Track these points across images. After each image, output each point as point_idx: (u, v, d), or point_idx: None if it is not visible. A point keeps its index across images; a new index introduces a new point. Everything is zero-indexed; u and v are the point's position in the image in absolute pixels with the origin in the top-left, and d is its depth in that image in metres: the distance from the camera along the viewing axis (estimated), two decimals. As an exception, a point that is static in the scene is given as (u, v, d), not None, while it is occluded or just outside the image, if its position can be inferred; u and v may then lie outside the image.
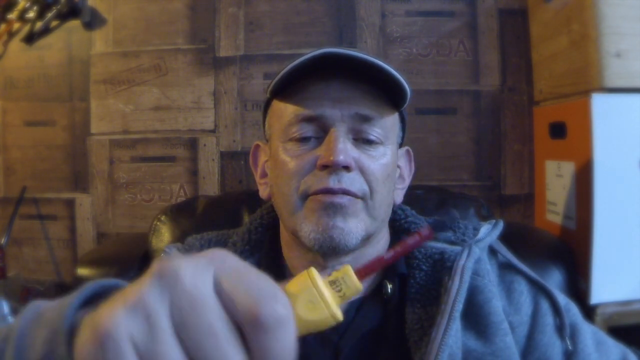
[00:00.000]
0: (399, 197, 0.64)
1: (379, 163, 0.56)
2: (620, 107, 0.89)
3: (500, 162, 1.24)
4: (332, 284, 0.29)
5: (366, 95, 0.56)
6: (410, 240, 0.33)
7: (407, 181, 0.66)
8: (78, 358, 0.24)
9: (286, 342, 0.26)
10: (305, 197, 0.55)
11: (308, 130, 0.56)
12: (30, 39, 1.30)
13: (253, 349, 0.25)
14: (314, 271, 0.29)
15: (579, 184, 0.94)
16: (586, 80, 0.92)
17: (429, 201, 0.87)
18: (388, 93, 0.57)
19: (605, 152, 0.88)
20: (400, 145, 0.64)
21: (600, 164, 0.88)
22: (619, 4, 0.88)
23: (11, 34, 1.31)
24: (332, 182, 0.53)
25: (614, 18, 0.88)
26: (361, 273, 0.30)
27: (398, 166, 0.64)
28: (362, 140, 0.56)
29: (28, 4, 1.27)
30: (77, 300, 0.31)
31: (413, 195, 0.67)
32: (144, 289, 0.24)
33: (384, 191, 0.57)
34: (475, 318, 0.55)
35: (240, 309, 0.25)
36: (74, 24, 1.30)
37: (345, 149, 0.53)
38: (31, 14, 1.27)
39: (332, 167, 0.53)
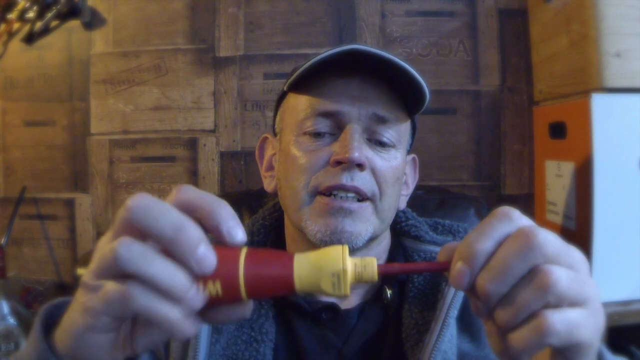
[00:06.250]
0: (402, 203, 0.64)
1: (390, 165, 0.56)
2: (620, 107, 0.89)
3: (500, 162, 1.24)
4: (356, 264, 0.34)
5: (385, 97, 0.55)
6: (432, 266, 0.40)
7: (411, 188, 0.66)
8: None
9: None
10: (314, 193, 0.54)
11: (323, 125, 0.55)
12: (30, 39, 1.30)
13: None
14: (347, 248, 0.34)
15: (578, 184, 0.94)
16: (586, 80, 0.92)
17: (429, 201, 0.87)
18: (406, 98, 0.56)
19: (605, 152, 0.88)
20: (408, 153, 0.64)
21: (600, 164, 0.88)
22: (619, 4, 0.88)
23: (11, 34, 1.31)
24: (345, 179, 0.53)
25: (614, 18, 0.88)
26: (381, 268, 0.34)
27: (404, 173, 0.64)
28: (375, 142, 0.56)
29: (28, 4, 1.26)
30: (39, 328, 0.37)
31: (413, 195, 0.67)
32: None
33: (393, 194, 0.56)
34: (469, 321, 0.55)
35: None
36: (74, 24, 1.30)
37: (360, 147, 0.53)
38: (31, 14, 1.27)
39: (346, 164, 0.52)
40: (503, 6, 1.24)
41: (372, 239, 0.56)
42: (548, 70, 1.11)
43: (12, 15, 1.28)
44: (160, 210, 0.31)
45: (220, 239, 0.33)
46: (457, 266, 0.32)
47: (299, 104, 0.57)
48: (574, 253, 0.33)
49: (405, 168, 0.63)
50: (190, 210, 0.33)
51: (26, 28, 1.30)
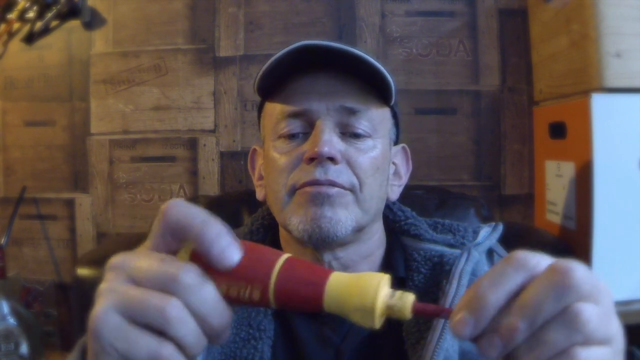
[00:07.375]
0: (394, 193, 0.63)
1: (368, 156, 0.56)
2: (620, 107, 0.89)
3: (500, 162, 1.24)
4: (391, 297, 0.31)
5: (353, 89, 0.56)
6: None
7: (404, 179, 0.66)
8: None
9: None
10: (293, 191, 0.55)
11: (296, 126, 0.56)
12: (30, 39, 1.30)
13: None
14: (386, 277, 0.32)
15: (578, 184, 0.94)
16: (586, 80, 0.92)
17: (429, 201, 0.87)
18: (376, 88, 0.57)
19: (605, 152, 0.88)
20: (396, 143, 0.64)
21: (600, 164, 0.88)
22: (619, 4, 0.88)
23: (11, 34, 1.31)
24: (319, 174, 0.53)
25: (614, 18, 0.88)
26: (416, 306, 0.32)
27: (394, 163, 0.64)
28: (349, 134, 0.56)
29: (28, 4, 1.27)
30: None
31: (413, 196, 0.67)
32: None
33: (374, 184, 0.57)
34: None
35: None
36: (74, 24, 1.30)
37: (330, 141, 0.53)
38: (31, 14, 1.27)
39: (318, 159, 0.53)
40: (503, 6, 1.24)
41: (359, 230, 0.56)
42: (548, 70, 1.11)
43: (12, 15, 1.28)
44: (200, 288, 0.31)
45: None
46: (461, 315, 0.30)
47: (272, 109, 0.59)
48: (601, 286, 0.31)
49: (394, 158, 0.63)
50: (180, 234, 0.33)
51: (26, 28, 1.30)
